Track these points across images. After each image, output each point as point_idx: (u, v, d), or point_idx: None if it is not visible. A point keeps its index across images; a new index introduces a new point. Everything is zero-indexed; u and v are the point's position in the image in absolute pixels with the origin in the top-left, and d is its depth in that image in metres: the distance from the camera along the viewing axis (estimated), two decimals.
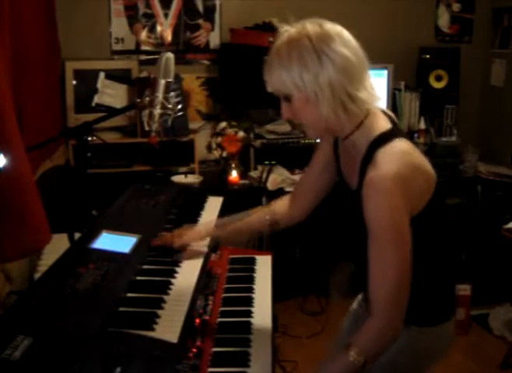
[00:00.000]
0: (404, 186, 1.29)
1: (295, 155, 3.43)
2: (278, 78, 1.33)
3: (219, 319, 1.73)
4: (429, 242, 1.46)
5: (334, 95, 1.30)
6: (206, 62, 3.51)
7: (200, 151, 3.32)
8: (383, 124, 1.39)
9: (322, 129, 1.39)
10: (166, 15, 3.40)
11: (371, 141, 1.36)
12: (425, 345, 1.51)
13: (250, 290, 1.90)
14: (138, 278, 1.47)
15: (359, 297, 1.75)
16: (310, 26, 1.33)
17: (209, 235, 1.80)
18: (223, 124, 3.29)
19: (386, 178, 1.28)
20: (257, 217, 1.76)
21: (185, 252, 1.71)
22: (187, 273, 1.54)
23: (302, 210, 1.74)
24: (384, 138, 1.35)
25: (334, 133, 1.44)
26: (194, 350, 1.50)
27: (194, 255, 1.72)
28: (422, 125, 3.61)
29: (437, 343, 1.53)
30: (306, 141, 3.34)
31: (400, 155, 1.33)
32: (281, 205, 1.76)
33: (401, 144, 1.35)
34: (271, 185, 3.11)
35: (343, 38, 1.33)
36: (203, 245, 1.78)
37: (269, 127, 3.47)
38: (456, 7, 3.88)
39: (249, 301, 1.80)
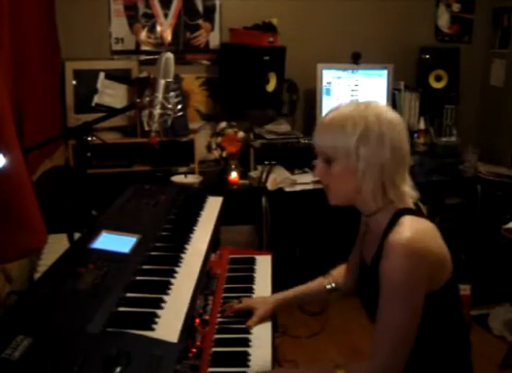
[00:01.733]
0: (423, 248, 1.30)
1: (295, 155, 3.43)
2: (333, 141, 1.36)
3: (219, 319, 1.73)
4: (442, 322, 1.44)
5: (381, 178, 1.35)
6: (206, 62, 3.51)
7: (200, 151, 3.32)
8: (409, 206, 1.41)
9: (350, 199, 1.42)
10: (166, 15, 3.40)
11: (395, 212, 1.38)
12: None
13: (250, 290, 1.90)
14: (138, 278, 1.47)
15: None
16: (380, 108, 1.38)
17: (275, 310, 1.77)
18: (223, 124, 3.29)
19: (407, 236, 1.30)
20: (318, 283, 1.77)
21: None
22: (187, 273, 1.54)
23: (355, 282, 1.71)
24: (409, 211, 1.38)
25: (358, 206, 1.45)
26: (194, 350, 1.50)
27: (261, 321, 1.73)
28: (422, 125, 3.62)
29: None
30: (306, 141, 3.35)
31: (420, 224, 1.36)
32: (339, 274, 1.76)
33: (418, 218, 1.38)
34: (270, 185, 3.11)
35: (402, 131, 1.38)
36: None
37: (269, 127, 3.47)
38: (456, 7, 3.88)
39: None
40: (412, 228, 1.32)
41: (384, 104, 1.41)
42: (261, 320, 1.71)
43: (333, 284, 1.73)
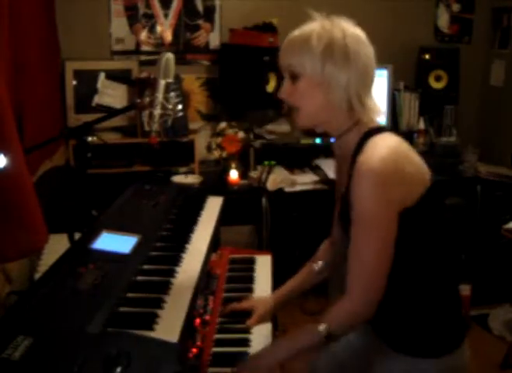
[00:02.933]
0: (392, 170, 1.28)
1: (295, 155, 3.43)
2: (298, 57, 1.35)
3: (219, 319, 1.73)
4: (423, 243, 1.40)
5: (348, 92, 1.34)
6: (206, 62, 3.51)
7: (200, 151, 3.32)
8: (376, 122, 1.40)
9: (317, 118, 1.40)
10: (166, 16, 3.40)
11: (364, 132, 1.37)
12: None
13: (250, 290, 1.90)
14: (138, 278, 1.47)
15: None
16: (345, 24, 1.38)
17: (275, 308, 1.76)
18: (223, 125, 3.29)
19: (374, 160, 1.28)
20: (306, 270, 1.76)
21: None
22: (187, 273, 1.54)
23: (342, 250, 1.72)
24: (375, 131, 1.36)
25: (327, 127, 1.43)
26: (194, 350, 1.50)
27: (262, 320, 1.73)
28: (422, 125, 3.62)
29: None
30: (306, 141, 3.35)
31: (390, 142, 1.34)
32: (322, 251, 1.76)
33: (391, 135, 1.36)
34: (270, 185, 3.12)
35: (370, 50, 1.38)
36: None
37: (269, 127, 3.47)
38: (456, 7, 3.88)
39: None
40: (380, 150, 1.30)
41: (349, 21, 1.41)
42: (261, 320, 1.71)
43: (320, 263, 1.71)
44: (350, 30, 1.36)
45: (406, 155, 1.35)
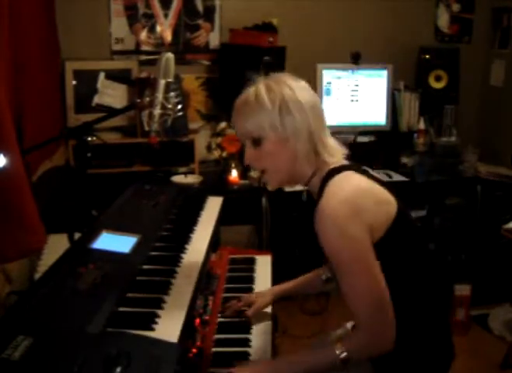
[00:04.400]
0: (351, 208, 1.30)
1: None
2: (255, 121, 1.39)
3: (219, 320, 1.73)
4: (402, 272, 1.40)
5: (311, 139, 1.39)
6: (206, 62, 3.51)
7: (200, 151, 3.32)
8: (337, 161, 1.43)
9: (286, 174, 1.44)
10: (166, 16, 3.40)
11: (325, 174, 1.40)
12: None
13: (250, 290, 1.90)
14: (138, 278, 1.47)
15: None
16: (287, 78, 1.43)
17: (273, 300, 1.81)
18: (223, 124, 3.29)
19: (330, 202, 1.30)
20: (314, 275, 1.79)
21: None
22: (187, 273, 1.54)
23: None
24: (332, 173, 1.39)
25: (296, 179, 1.48)
26: (194, 350, 1.50)
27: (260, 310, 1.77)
28: (422, 125, 3.61)
29: None
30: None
31: (344, 182, 1.36)
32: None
33: (346, 174, 1.38)
34: None
35: (310, 91, 1.44)
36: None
37: None
38: (455, 7, 3.88)
39: None
40: (336, 192, 1.33)
41: (284, 74, 1.45)
42: (260, 309, 1.75)
43: (328, 274, 1.73)
44: (294, 83, 1.41)
45: (363, 191, 1.36)
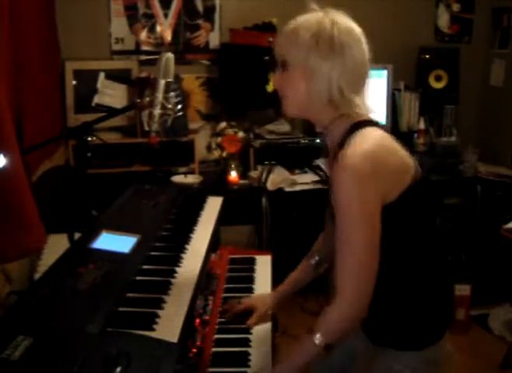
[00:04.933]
0: (373, 164, 1.27)
1: (295, 155, 3.43)
2: (287, 44, 1.37)
3: (219, 320, 1.73)
4: (407, 236, 1.39)
5: (328, 83, 1.33)
6: (206, 62, 3.51)
7: (200, 151, 3.32)
8: (361, 117, 1.39)
9: (302, 107, 1.40)
10: (165, 16, 3.40)
11: (350, 126, 1.37)
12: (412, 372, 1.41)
13: (250, 290, 1.90)
14: (138, 278, 1.47)
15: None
16: (339, 16, 1.38)
17: (274, 303, 1.79)
18: (223, 124, 3.29)
19: (354, 155, 1.27)
20: (303, 265, 1.78)
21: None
22: (187, 273, 1.54)
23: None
24: (359, 125, 1.36)
25: (311, 117, 1.44)
26: (194, 350, 1.50)
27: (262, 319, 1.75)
28: (422, 125, 3.62)
29: (424, 370, 1.42)
30: (307, 141, 3.35)
31: (371, 137, 1.33)
32: (318, 245, 1.76)
33: (374, 129, 1.35)
34: (270, 185, 3.11)
35: (361, 44, 1.37)
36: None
37: (269, 127, 3.47)
38: (456, 7, 3.88)
39: None
40: (361, 144, 1.29)
41: (345, 15, 1.40)
42: (262, 319, 1.72)
43: (316, 258, 1.72)
44: (342, 23, 1.36)
45: (389, 150, 1.34)
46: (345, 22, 1.37)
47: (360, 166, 1.26)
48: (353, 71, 1.35)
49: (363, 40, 1.38)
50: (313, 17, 1.37)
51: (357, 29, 1.38)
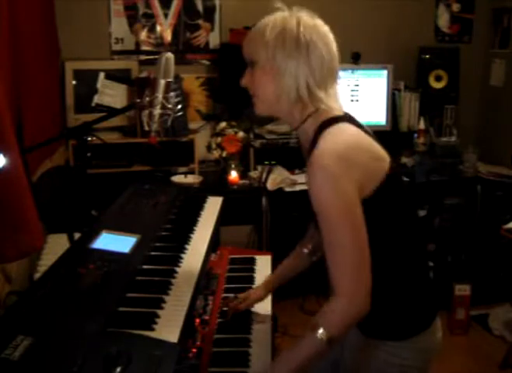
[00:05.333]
0: (345, 161, 1.27)
1: (295, 155, 3.40)
2: (254, 44, 1.42)
3: (219, 320, 1.73)
4: (388, 228, 1.38)
5: (296, 81, 1.35)
6: (206, 62, 3.51)
7: (200, 151, 3.32)
8: (332, 113, 1.38)
9: (271, 106, 1.42)
10: (165, 16, 3.40)
11: (320, 124, 1.36)
12: (402, 361, 1.42)
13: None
14: (138, 278, 1.47)
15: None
16: (304, 14, 1.40)
17: (268, 293, 1.81)
18: (223, 124, 3.29)
19: (324, 154, 1.27)
20: (296, 253, 1.78)
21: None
22: (187, 273, 1.54)
23: None
24: (330, 122, 1.35)
25: (282, 116, 1.45)
26: (194, 350, 1.50)
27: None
28: (422, 125, 3.62)
29: (414, 359, 1.43)
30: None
31: (341, 134, 1.33)
32: (311, 233, 1.77)
33: (344, 125, 1.35)
34: (270, 185, 3.11)
35: (328, 41, 1.38)
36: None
37: (269, 127, 3.47)
38: (456, 7, 3.88)
39: None
40: (330, 143, 1.29)
41: (310, 13, 1.41)
42: (253, 303, 1.76)
43: (309, 246, 1.73)
44: (307, 21, 1.37)
45: (360, 145, 1.34)
46: (310, 20, 1.38)
47: (330, 165, 1.26)
48: (321, 69, 1.35)
49: (330, 36, 1.39)
50: (279, 16, 1.40)
51: (323, 26, 1.39)
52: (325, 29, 1.39)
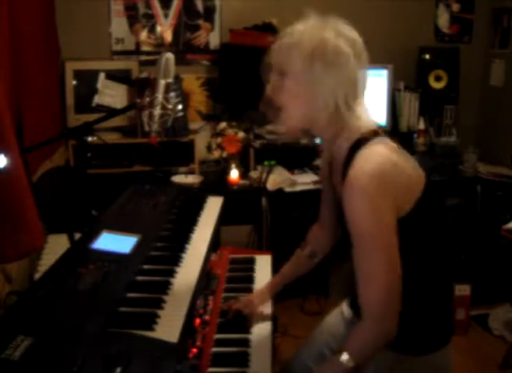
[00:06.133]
0: (382, 182, 1.25)
1: (295, 155, 3.43)
2: (287, 54, 1.32)
3: (219, 320, 1.73)
4: (421, 248, 1.39)
5: (334, 94, 1.30)
6: (206, 62, 3.51)
7: (200, 151, 3.32)
8: (365, 126, 1.37)
9: (301, 119, 1.37)
10: (166, 16, 3.40)
11: (351, 144, 1.35)
12: None
13: (250, 290, 1.90)
14: (138, 278, 1.47)
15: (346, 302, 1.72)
16: (340, 25, 1.34)
17: (271, 296, 1.82)
18: (223, 125, 3.29)
19: (362, 176, 1.25)
20: (297, 255, 1.79)
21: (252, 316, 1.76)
22: (187, 273, 1.54)
23: (331, 233, 1.72)
24: (364, 141, 1.33)
25: (314, 130, 1.41)
26: (194, 350, 1.50)
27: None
28: (422, 125, 3.61)
29: None
30: (306, 141, 3.34)
31: (377, 154, 1.30)
32: (312, 236, 1.76)
33: (379, 145, 1.33)
34: (270, 185, 3.11)
35: (365, 54, 1.35)
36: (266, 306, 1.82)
37: (269, 127, 3.47)
38: (455, 7, 3.88)
39: None
40: (368, 164, 1.27)
41: (346, 24, 1.36)
42: (259, 305, 1.77)
43: (310, 249, 1.74)
44: (344, 32, 1.33)
45: (396, 165, 1.31)
46: (347, 31, 1.34)
47: (368, 186, 1.24)
48: (356, 82, 1.32)
49: (362, 46, 1.35)
50: (315, 26, 1.34)
51: (359, 38, 1.35)
52: (361, 41, 1.35)
